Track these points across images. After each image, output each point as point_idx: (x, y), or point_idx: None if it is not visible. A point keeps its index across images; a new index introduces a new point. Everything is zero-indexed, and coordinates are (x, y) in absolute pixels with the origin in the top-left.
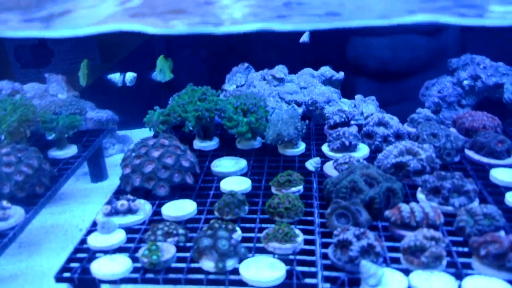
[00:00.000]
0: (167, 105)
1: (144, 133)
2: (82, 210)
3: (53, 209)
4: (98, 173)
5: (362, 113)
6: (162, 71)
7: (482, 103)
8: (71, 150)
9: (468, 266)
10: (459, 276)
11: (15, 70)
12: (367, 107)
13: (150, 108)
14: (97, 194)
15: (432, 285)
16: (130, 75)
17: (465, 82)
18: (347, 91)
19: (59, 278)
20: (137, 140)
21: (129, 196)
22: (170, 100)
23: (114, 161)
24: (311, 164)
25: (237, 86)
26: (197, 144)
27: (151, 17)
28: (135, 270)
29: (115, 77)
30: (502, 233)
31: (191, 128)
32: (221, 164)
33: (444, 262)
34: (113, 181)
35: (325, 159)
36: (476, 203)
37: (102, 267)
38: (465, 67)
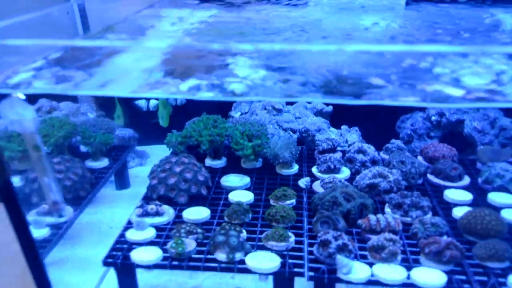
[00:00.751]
0: (180, 125)
1: (159, 149)
2: (111, 212)
3: (87, 210)
4: (122, 182)
5: (346, 141)
6: (162, 118)
7: (447, 135)
8: (104, 162)
9: (417, 261)
10: (409, 268)
11: None
12: (351, 136)
13: (165, 128)
14: (122, 199)
15: (388, 273)
16: (153, 102)
17: (433, 118)
18: (336, 120)
19: (106, 263)
20: (154, 155)
21: (157, 202)
22: (187, 124)
23: (134, 172)
24: (303, 182)
25: (242, 113)
26: (208, 162)
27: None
28: (164, 258)
29: (141, 103)
30: (444, 237)
31: (204, 149)
32: (229, 180)
33: (399, 258)
34: (134, 190)
35: (314, 178)
36: (429, 216)
37: (139, 256)
38: None
